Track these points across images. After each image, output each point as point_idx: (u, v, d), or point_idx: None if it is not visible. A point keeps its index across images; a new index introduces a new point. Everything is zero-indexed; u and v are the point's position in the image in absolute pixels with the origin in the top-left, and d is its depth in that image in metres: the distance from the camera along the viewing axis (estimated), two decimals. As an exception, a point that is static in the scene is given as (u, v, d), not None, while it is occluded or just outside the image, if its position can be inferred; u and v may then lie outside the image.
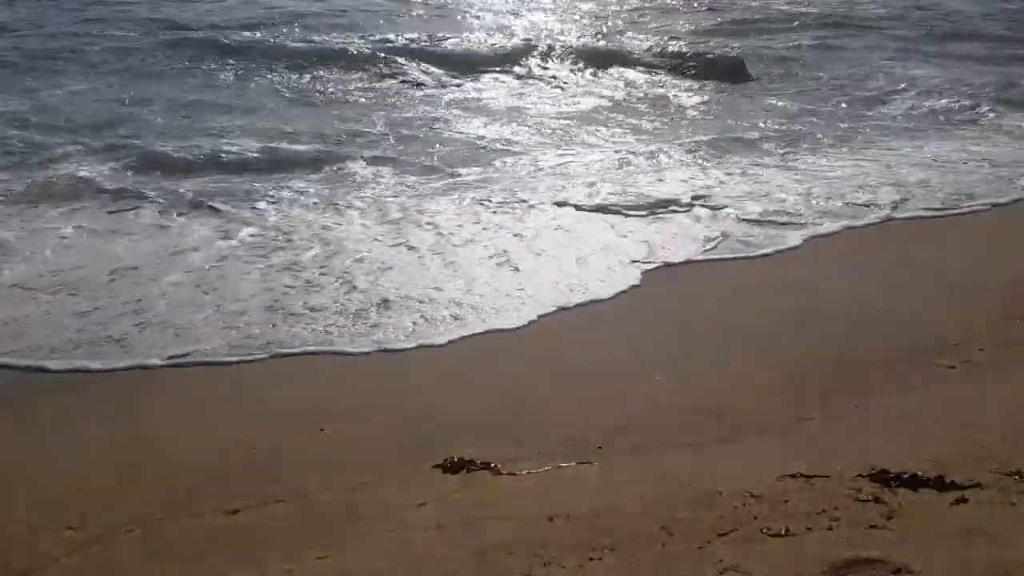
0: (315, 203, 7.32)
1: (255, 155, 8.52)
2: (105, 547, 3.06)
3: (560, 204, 7.31)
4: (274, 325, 5.16)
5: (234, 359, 4.77)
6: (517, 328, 5.16)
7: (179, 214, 7.00)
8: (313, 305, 5.41)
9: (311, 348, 4.93)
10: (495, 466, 3.48)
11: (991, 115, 10.79)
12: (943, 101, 11.34)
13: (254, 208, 7.17)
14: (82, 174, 7.73)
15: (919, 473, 2.93)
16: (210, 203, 7.17)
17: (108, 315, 5.23)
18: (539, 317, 5.28)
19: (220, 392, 4.48)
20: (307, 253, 6.24)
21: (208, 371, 4.66)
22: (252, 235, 6.59)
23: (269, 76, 11.91)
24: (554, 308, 5.42)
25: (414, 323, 5.19)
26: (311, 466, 3.65)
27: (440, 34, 14.21)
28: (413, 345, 4.95)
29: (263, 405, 4.31)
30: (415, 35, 14.10)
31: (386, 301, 5.46)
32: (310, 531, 3.08)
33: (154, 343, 4.92)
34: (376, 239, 6.53)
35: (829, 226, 6.87)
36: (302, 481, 3.50)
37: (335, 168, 8.26)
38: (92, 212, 7.00)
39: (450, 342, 4.99)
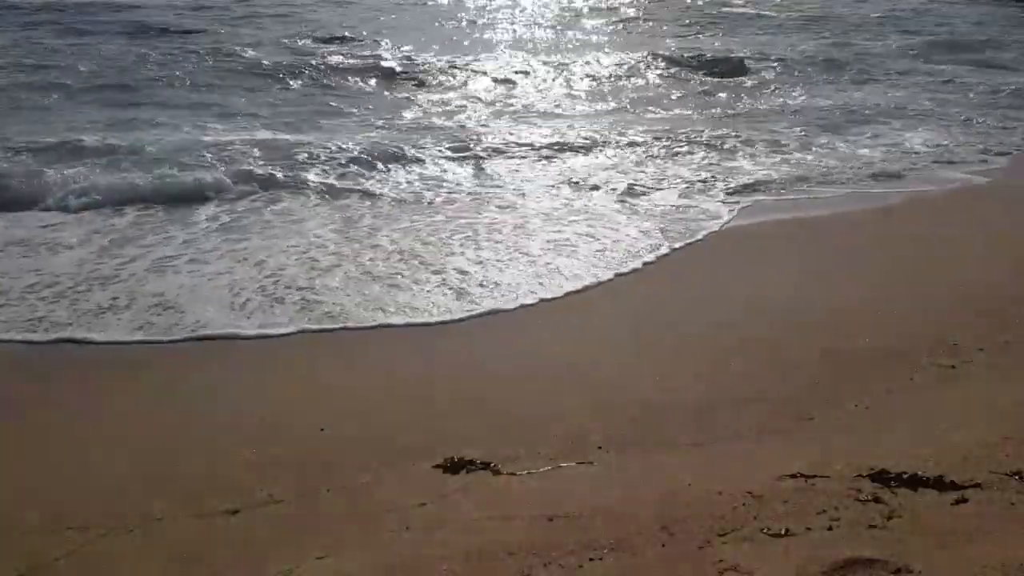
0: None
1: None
2: (105, 547, 3.06)
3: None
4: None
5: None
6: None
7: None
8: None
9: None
10: (495, 466, 3.47)
11: None
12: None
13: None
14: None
15: (919, 473, 2.93)
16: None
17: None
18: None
19: (220, 392, 4.48)
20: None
21: (209, 372, 4.66)
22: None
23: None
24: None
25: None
26: (311, 466, 3.65)
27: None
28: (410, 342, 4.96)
29: (263, 405, 4.31)
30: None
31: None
32: (310, 531, 3.07)
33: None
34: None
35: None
36: (302, 481, 3.50)
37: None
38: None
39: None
